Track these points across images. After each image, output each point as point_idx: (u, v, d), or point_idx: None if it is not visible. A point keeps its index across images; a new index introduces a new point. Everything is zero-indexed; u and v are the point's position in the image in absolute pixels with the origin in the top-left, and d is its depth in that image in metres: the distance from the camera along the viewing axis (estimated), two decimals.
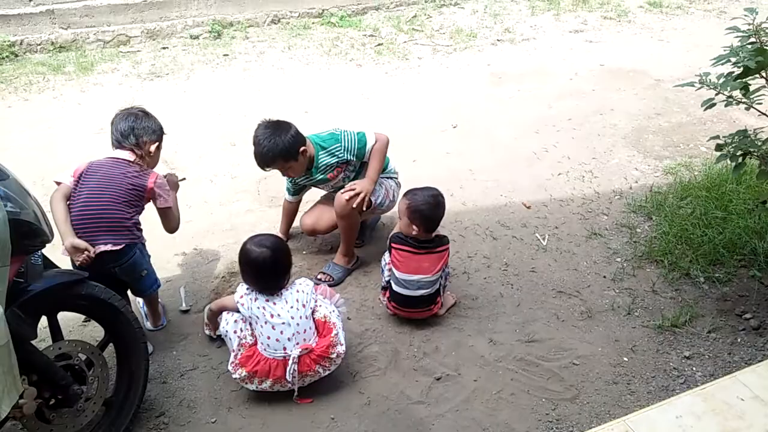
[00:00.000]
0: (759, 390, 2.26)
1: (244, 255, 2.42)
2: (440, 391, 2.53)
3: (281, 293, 2.42)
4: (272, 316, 2.38)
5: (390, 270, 2.80)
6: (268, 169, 2.92)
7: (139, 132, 2.59)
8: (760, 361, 2.52)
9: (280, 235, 3.31)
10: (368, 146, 3.02)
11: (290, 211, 3.39)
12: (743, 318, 2.83)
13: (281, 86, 5.39)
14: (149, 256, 2.68)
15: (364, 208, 3.00)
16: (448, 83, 5.46)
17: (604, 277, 3.15)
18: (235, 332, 2.45)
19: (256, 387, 2.42)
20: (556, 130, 4.65)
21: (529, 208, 3.74)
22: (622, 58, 5.89)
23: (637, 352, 2.69)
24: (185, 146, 4.42)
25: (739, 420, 2.17)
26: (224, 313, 2.53)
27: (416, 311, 2.80)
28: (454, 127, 4.70)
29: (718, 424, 2.16)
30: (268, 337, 2.39)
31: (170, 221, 2.70)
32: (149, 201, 2.61)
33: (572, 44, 6.29)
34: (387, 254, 2.86)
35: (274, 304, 2.40)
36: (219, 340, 2.76)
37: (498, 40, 6.41)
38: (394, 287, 2.77)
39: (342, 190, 2.97)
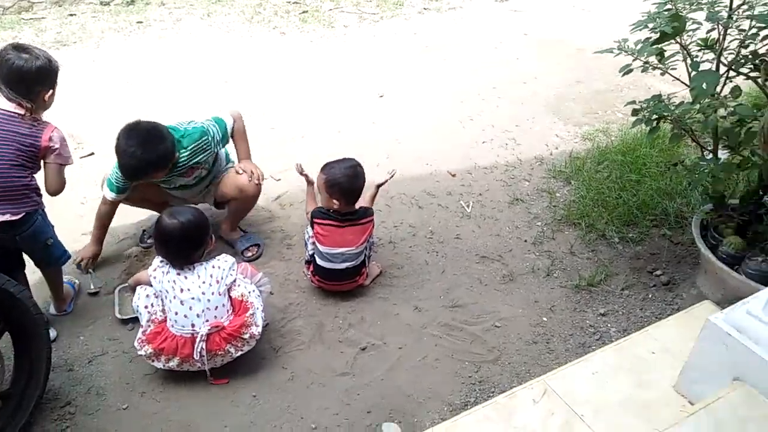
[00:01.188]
0: (669, 343, 2.35)
1: (156, 225, 2.29)
2: (365, 361, 2.51)
3: (194, 267, 2.31)
4: (182, 290, 2.27)
5: (314, 244, 2.73)
6: (135, 181, 2.73)
7: (29, 80, 2.22)
8: (669, 315, 2.63)
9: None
10: (229, 128, 2.90)
11: (108, 215, 2.86)
12: (654, 275, 2.95)
13: (199, 55, 5.15)
14: (52, 226, 2.49)
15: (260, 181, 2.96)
16: (375, 52, 5.38)
17: (525, 241, 3.20)
18: (146, 307, 2.33)
19: (164, 365, 2.32)
20: (481, 98, 4.67)
21: (454, 176, 3.74)
22: (546, 28, 5.97)
23: (555, 311, 2.75)
24: (92, 119, 4.15)
25: (651, 372, 2.25)
26: (138, 288, 2.40)
27: (341, 284, 2.75)
28: (381, 96, 4.64)
29: (632, 377, 2.23)
30: (176, 313, 2.28)
31: (59, 180, 2.38)
32: (44, 159, 2.33)
33: (498, 13, 6.32)
34: (309, 228, 2.79)
35: (185, 278, 2.29)
36: (131, 322, 2.63)
37: (425, 9, 6.36)
38: (318, 261, 2.71)
39: (237, 175, 2.90)
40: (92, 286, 2.82)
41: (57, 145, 2.30)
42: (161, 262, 2.32)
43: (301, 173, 2.89)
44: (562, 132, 4.25)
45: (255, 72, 4.90)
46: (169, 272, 2.30)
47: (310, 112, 4.44)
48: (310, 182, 2.87)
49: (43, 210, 2.41)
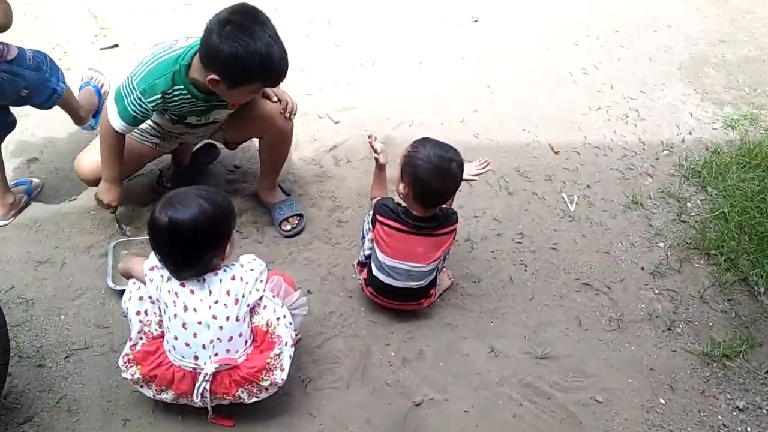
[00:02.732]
0: None
1: (150, 219, 1.60)
2: (418, 423, 1.89)
3: (204, 279, 1.65)
4: (185, 309, 1.63)
5: (372, 246, 2.04)
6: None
7: None
8: None
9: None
10: None
11: (119, 147, 2.11)
12: None
13: None
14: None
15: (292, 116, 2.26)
16: None
17: (642, 268, 2.44)
18: (137, 313, 1.71)
19: (154, 395, 1.74)
20: (600, 44, 3.69)
21: (557, 153, 2.93)
22: None
23: (676, 391, 2.06)
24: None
25: None
26: (129, 283, 1.76)
27: (401, 304, 2.09)
28: (475, 21, 3.69)
29: None
30: (176, 337, 1.66)
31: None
32: None
33: None
34: (370, 219, 2.08)
35: (192, 293, 1.64)
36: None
37: None
38: (375, 271, 2.02)
39: (265, 102, 2.20)
40: (127, 232, 2.27)
41: None
42: (161, 262, 1.65)
43: (374, 151, 2.11)
44: (698, 111, 3.32)
45: None
46: (170, 279, 1.64)
47: (386, 32, 3.54)
48: (381, 165, 2.11)
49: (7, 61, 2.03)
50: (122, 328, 1.96)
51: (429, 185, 1.85)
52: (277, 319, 1.72)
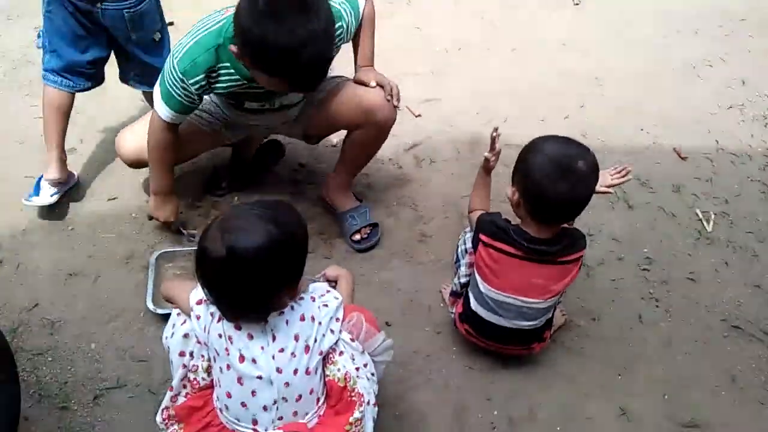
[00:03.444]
0: None
1: (198, 248, 1.19)
2: None
3: (267, 320, 1.24)
4: (241, 359, 1.23)
5: (470, 272, 1.60)
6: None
7: None
8: None
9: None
10: (360, 11, 1.80)
11: (170, 144, 1.76)
12: None
13: None
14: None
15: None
16: None
17: None
18: (181, 355, 1.32)
19: None
20: (724, 33, 3.13)
21: (684, 159, 2.41)
22: None
23: None
24: None
25: None
26: (173, 313, 1.38)
27: (506, 347, 1.64)
28: (576, 4, 3.20)
29: None
30: (229, 394, 1.26)
31: None
32: None
33: None
34: (468, 239, 1.65)
35: (250, 338, 1.23)
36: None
37: None
38: (474, 305, 1.58)
39: (363, 89, 1.81)
40: (196, 237, 1.89)
41: None
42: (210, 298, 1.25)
43: (491, 149, 1.64)
44: None
45: None
46: (222, 320, 1.24)
47: (474, 14, 3.09)
48: (489, 170, 1.67)
49: None
50: (163, 363, 1.59)
51: (547, 191, 1.39)
52: (357, 369, 1.30)
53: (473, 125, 2.44)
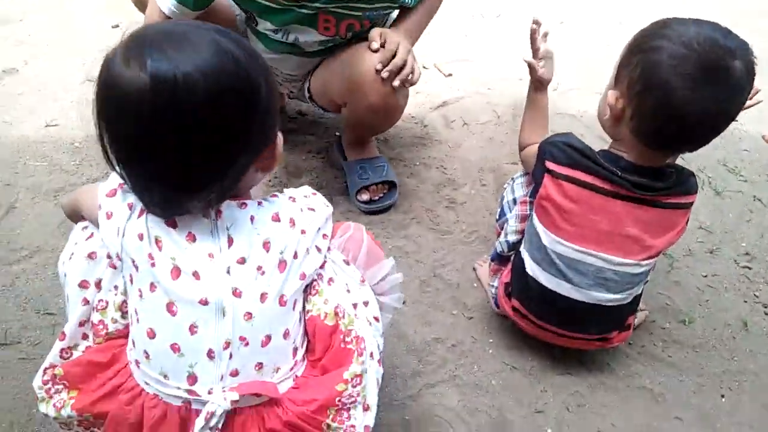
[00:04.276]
0: None
1: (101, 81, 0.70)
2: None
3: (221, 212, 0.75)
4: (177, 273, 0.74)
5: (526, 226, 1.12)
6: None
7: None
8: None
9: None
10: None
11: None
12: None
13: None
14: None
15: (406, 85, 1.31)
16: None
17: None
18: (82, 286, 0.82)
19: None
20: None
21: None
22: None
23: None
24: None
25: None
26: (76, 228, 0.88)
27: (569, 334, 1.12)
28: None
29: None
30: (152, 333, 0.77)
31: None
32: None
33: None
34: (517, 186, 1.18)
35: (192, 238, 0.75)
36: None
37: None
38: (531, 267, 1.08)
39: (367, 54, 1.29)
40: None
41: None
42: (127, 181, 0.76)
43: (534, 51, 1.22)
44: None
45: None
46: (145, 213, 0.76)
47: None
48: (541, 82, 1.22)
49: None
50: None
51: (679, 98, 0.90)
52: (355, 306, 0.81)
53: (516, 90, 2.00)
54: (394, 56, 1.26)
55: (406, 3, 1.37)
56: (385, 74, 1.26)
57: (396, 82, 1.27)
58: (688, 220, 1.07)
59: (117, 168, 0.74)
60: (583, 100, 1.97)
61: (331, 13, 1.29)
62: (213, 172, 0.71)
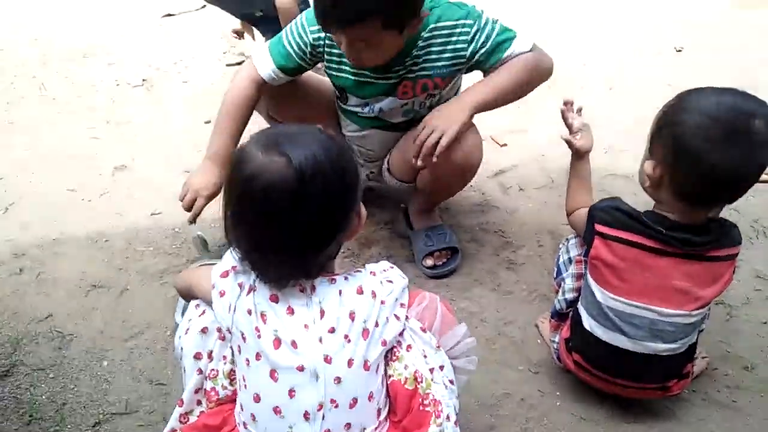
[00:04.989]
0: None
1: (232, 171, 0.88)
2: None
3: (313, 288, 0.91)
4: (278, 343, 0.89)
5: (582, 284, 1.22)
6: (350, 28, 1.29)
7: None
8: None
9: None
10: (512, 48, 1.40)
11: (249, 105, 1.51)
12: None
13: None
14: None
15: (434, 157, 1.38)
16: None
17: None
18: (196, 357, 0.98)
19: None
20: None
21: None
22: None
23: None
24: None
25: None
26: (190, 306, 1.05)
27: (632, 385, 1.20)
28: (679, 51, 2.91)
29: None
30: (257, 398, 0.91)
31: None
32: None
33: None
34: (571, 246, 1.29)
35: (290, 311, 0.90)
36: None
37: None
38: (589, 323, 1.18)
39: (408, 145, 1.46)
40: (211, 248, 1.58)
41: None
42: (241, 260, 0.93)
43: (567, 126, 1.38)
44: None
45: None
46: (254, 291, 0.92)
47: (575, 58, 2.83)
48: (579, 153, 1.35)
49: None
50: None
51: (709, 159, 1.01)
52: (431, 371, 0.92)
53: (569, 155, 2.11)
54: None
55: (478, 61, 1.44)
56: (420, 160, 1.38)
57: (419, 162, 1.38)
58: (734, 271, 1.14)
59: (235, 254, 0.91)
60: (635, 162, 2.06)
61: (408, 78, 1.45)
62: (319, 250, 0.86)
